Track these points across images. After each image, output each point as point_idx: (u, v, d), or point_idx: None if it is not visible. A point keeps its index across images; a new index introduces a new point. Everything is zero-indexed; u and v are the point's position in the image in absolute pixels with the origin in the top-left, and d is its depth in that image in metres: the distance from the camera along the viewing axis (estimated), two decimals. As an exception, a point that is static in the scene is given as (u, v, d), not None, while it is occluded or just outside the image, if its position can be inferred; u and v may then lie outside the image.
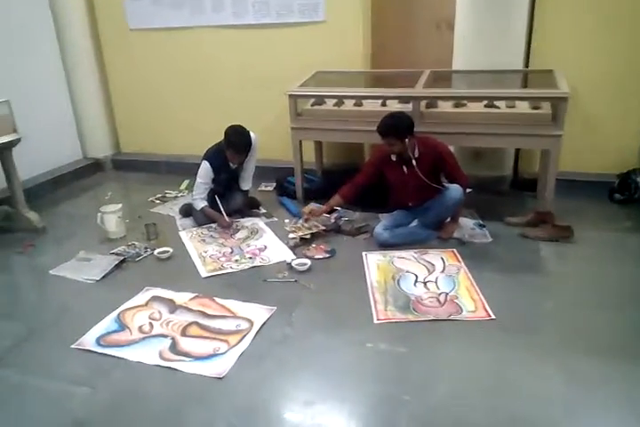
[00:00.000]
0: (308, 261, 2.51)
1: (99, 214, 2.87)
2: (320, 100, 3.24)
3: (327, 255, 2.62)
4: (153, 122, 4.13)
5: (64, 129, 4.02)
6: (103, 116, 4.18)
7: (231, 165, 3.01)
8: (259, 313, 2.16)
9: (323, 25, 3.50)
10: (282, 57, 3.64)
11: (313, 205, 2.95)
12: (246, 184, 3.16)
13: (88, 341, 2.03)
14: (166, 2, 3.75)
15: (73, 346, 1.99)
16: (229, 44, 3.74)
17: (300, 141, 3.23)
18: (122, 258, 2.64)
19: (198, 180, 2.98)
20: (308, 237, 2.75)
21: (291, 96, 3.09)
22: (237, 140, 2.88)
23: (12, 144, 2.87)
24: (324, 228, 2.83)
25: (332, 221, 2.91)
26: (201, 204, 2.99)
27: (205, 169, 2.95)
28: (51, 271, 2.57)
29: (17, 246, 2.86)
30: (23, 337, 2.08)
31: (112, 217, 2.87)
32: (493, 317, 2.07)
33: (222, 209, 2.97)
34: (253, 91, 3.76)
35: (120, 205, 2.93)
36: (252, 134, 2.97)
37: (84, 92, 4.04)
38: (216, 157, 2.97)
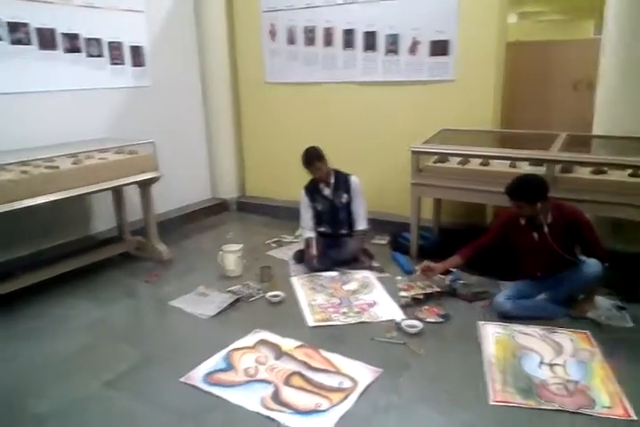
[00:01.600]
0: (420, 324, 2.39)
1: (220, 253, 3.03)
2: (444, 157, 3.20)
3: (440, 319, 2.48)
4: (276, 168, 4.35)
5: (198, 170, 4.39)
6: (234, 160, 4.51)
7: (323, 189, 3.18)
8: (363, 373, 2.07)
9: (452, 84, 3.50)
10: (408, 113, 3.69)
11: (428, 263, 2.85)
12: (359, 224, 3.20)
13: (196, 376, 2.07)
14: (301, 58, 4.03)
15: (181, 379, 2.05)
16: (356, 100, 3.88)
17: (419, 198, 3.20)
18: (236, 297, 2.72)
19: (300, 209, 3.25)
20: (420, 297, 2.64)
21: (414, 152, 3.10)
22: (304, 154, 3.11)
23: (152, 181, 3.17)
24: (438, 289, 2.71)
25: (447, 282, 2.77)
26: (306, 234, 3.22)
27: (302, 195, 3.23)
28: (170, 302, 2.73)
29: (144, 275, 3.09)
30: (138, 363, 2.19)
31: (232, 256, 3.01)
32: (634, 417, 1.79)
33: (314, 243, 3.13)
34: (376, 144, 3.83)
35: (241, 246, 3.08)
36: (352, 177, 3.19)
37: (220, 138, 4.41)
38: (309, 183, 3.26)
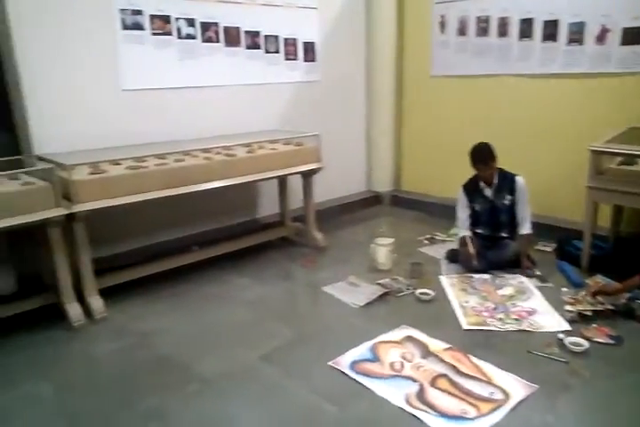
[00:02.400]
0: (586, 343, 2.16)
1: (372, 245, 3.07)
2: (631, 159, 2.82)
3: (611, 341, 2.21)
4: (434, 164, 4.26)
5: (356, 163, 4.48)
6: (391, 154, 4.51)
7: (484, 189, 3.01)
8: (516, 387, 1.94)
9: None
10: (586, 108, 3.32)
11: (600, 279, 2.55)
12: (524, 227, 2.99)
13: (344, 362, 2.14)
14: (471, 50, 3.86)
15: (329, 363, 2.13)
16: (528, 93, 3.60)
17: (596, 203, 2.87)
18: (385, 291, 2.74)
19: (457, 208, 3.14)
20: (588, 313, 2.38)
21: (594, 152, 2.78)
22: (473, 150, 2.95)
23: (314, 171, 3.32)
24: (611, 307, 2.41)
25: (624, 301, 2.45)
26: (462, 232, 3.07)
27: (459, 194, 3.10)
28: (323, 288, 2.84)
29: (301, 260, 3.27)
30: (291, 341, 2.33)
31: (383, 250, 3.03)
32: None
33: (471, 243, 2.96)
34: (546, 141, 3.54)
35: (392, 240, 3.08)
36: (518, 178, 2.98)
37: (379, 131, 4.44)
38: (468, 182, 3.11)
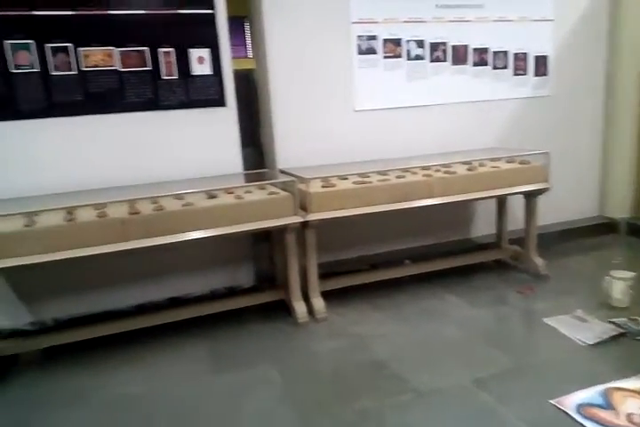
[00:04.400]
0: None
1: (606, 278, 2.72)
2: None
3: None
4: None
5: (586, 185, 4.03)
6: (631, 176, 3.95)
7: None
8: None
9: None
10: None
11: None
12: None
13: (568, 403, 1.93)
14: None
15: (552, 401, 1.94)
16: None
17: None
18: (621, 331, 2.40)
19: None
20: None
21: None
22: None
23: (540, 192, 3.10)
24: None
25: None
26: None
27: None
28: (544, 319, 2.62)
29: (517, 286, 3.07)
30: (508, 370, 2.20)
31: (621, 284, 2.66)
32: None
33: None
34: None
35: (633, 274, 2.69)
36: None
37: (618, 151, 3.93)
38: None
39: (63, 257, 2.20)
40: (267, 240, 3.11)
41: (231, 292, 3.05)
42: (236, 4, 2.93)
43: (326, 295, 2.83)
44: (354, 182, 2.80)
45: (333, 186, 2.75)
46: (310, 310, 2.76)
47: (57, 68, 2.60)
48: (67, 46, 2.60)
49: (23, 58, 2.55)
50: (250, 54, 5.52)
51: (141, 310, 2.87)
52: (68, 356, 2.49)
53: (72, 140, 2.66)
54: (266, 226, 2.55)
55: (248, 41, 5.51)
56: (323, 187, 2.74)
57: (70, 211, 2.37)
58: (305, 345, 2.53)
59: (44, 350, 2.55)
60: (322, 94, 3.14)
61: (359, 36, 3.20)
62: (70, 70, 2.62)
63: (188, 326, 2.70)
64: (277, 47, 2.99)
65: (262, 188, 2.79)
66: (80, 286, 2.77)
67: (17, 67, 2.54)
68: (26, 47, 2.55)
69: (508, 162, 3.16)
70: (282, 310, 2.83)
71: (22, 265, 2.17)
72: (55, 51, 2.59)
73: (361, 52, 3.22)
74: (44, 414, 2.07)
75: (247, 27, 5.47)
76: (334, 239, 3.07)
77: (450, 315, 2.76)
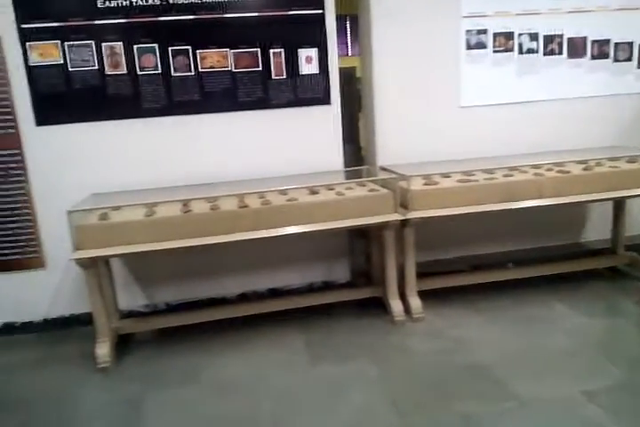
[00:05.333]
0: None
1: None
2: None
3: None
4: None
5: None
6: None
7: None
8: None
9: None
10: None
11: None
12: None
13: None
14: None
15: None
16: None
17: None
18: None
19: None
20: None
21: None
22: None
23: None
24: None
25: None
26: None
27: None
28: (667, 334, 2.41)
29: (635, 295, 2.84)
30: (621, 384, 2.06)
31: None
32: None
33: None
34: None
35: None
36: None
37: None
38: None
39: (178, 246, 2.37)
40: (363, 237, 3.13)
41: (327, 286, 3.11)
42: (339, 2, 2.96)
43: (423, 295, 2.79)
44: (457, 181, 2.73)
45: (435, 184, 2.71)
46: (407, 309, 2.73)
47: (177, 70, 2.80)
48: (186, 49, 2.79)
49: (148, 60, 2.77)
50: (350, 52, 5.58)
51: (244, 298, 3.02)
52: (177, 338, 2.68)
53: (188, 136, 2.85)
54: (366, 223, 2.56)
55: (349, 39, 5.59)
56: (424, 185, 2.70)
57: (186, 203, 2.55)
58: (402, 344, 2.52)
59: (156, 331, 2.77)
60: (426, 90, 3.09)
61: (468, 31, 3.10)
62: (189, 71, 2.81)
63: (285, 316, 2.80)
64: (383, 44, 2.98)
65: (363, 184, 2.81)
66: (189, 274, 2.97)
67: (142, 69, 2.76)
68: (151, 51, 2.77)
69: (630, 162, 2.92)
70: (377, 307, 2.84)
71: (141, 252, 2.37)
72: (176, 53, 2.79)
73: (469, 47, 3.12)
74: (156, 391, 2.25)
75: (348, 25, 5.53)
76: (433, 238, 3.01)
77: (558, 323, 2.61)
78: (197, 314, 2.78)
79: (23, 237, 2.79)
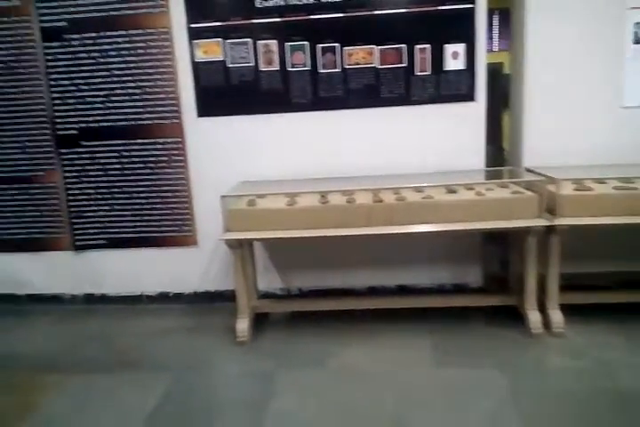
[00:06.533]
0: None
1: None
2: None
3: None
4: None
5: None
6: None
7: None
8: None
9: None
10: None
11: None
12: None
13: None
14: None
15: None
16: None
17: None
18: None
19: None
20: None
21: None
22: None
23: None
24: None
25: None
26: None
27: None
28: None
29: None
30: None
31: None
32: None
33: None
34: None
35: None
36: None
37: None
38: None
39: (316, 235, 2.47)
40: (498, 241, 2.99)
41: (457, 289, 3.03)
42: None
43: (565, 309, 2.59)
44: (614, 187, 2.49)
45: (589, 189, 2.49)
46: (546, 322, 2.56)
47: (324, 67, 2.90)
48: (334, 46, 2.87)
49: (298, 58, 2.90)
50: (495, 48, 5.32)
51: (373, 291, 3.06)
52: (308, 322, 2.80)
53: (330, 131, 2.95)
54: (507, 226, 2.44)
55: (495, 34, 5.32)
56: (575, 190, 2.50)
57: (324, 195, 2.65)
58: (538, 359, 2.37)
59: (289, 313, 2.92)
60: (582, 89, 2.85)
61: (637, 23, 2.80)
62: (335, 68, 2.89)
63: (412, 314, 2.78)
64: (537, 39, 2.80)
65: (505, 186, 2.68)
66: (322, 263, 3.08)
67: (293, 65, 2.91)
68: (301, 48, 2.90)
69: None
70: (510, 316, 2.69)
71: (282, 238, 2.51)
72: (324, 51, 2.89)
73: (637, 41, 2.82)
74: (286, 369, 2.37)
75: (497, 18, 5.27)
76: (580, 248, 2.77)
77: None
78: (328, 302, 2.88)
79: (180, 217, 3.10)
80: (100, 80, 2.97)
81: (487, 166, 2.97)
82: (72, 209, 3.14)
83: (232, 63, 2.91)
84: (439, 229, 2.45)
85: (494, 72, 3.44)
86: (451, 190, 2.63)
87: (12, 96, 3.02)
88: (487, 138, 2.94)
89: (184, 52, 2.90)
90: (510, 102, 3.18)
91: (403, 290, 3.06)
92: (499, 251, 3.06)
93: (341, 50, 2.87)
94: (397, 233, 2.44)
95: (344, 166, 2.93)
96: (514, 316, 2.68)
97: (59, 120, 3.03)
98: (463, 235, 2.62)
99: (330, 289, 3.09)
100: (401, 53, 2.85)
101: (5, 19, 2.93)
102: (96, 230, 3.15)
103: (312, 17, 2.84)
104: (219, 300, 3.12)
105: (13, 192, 3.14)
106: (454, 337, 2.59)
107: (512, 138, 3.17)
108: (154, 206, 3.09)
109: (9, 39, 2.95)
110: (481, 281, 3.04)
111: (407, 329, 2.68)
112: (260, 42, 2.87)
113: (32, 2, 2.90)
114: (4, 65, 2.99)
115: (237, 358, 2.51)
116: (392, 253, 3.02)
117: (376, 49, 2.86)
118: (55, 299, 3.27)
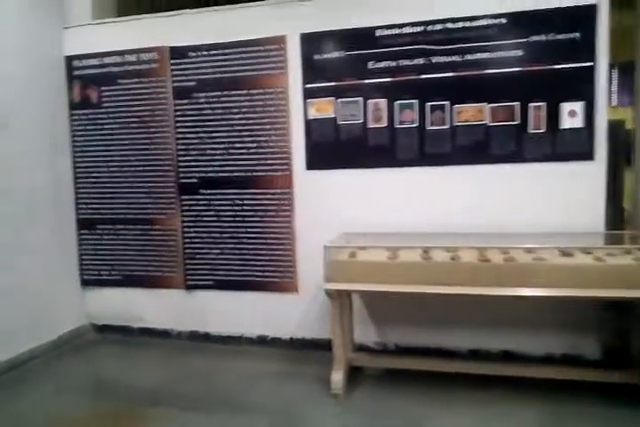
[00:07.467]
0: None
1: None
2: None
3: None
4: None
5: None
6: None
7: None
8: None
9: None
10: None
11: None
12: None
13: None
14: None
15: None
16: None
17: None
18: None
19: None
20: None
21: None
22: None
23: None
24: None
25: None
26: None
27: None
28: None
29: None
30: None
31: None
32: None
33: None
34: None
35: None
36: None
37: None
38: None
39: (418, 291, 2.42)
40: (615, 308, 2.73)
41: (568, 359, 2.78)
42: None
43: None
44: None
45: None
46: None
47: (432, 124, 2.94)
48: (443, 104, 2.92)
49: (407, 115, 2.98)
50: (613, 102, 5.06)
51: (474, 354, 2.90)
52: (404, 380, 2.71)
53: (435, 186, 2.95)
54: (633, 296, 2.23)
55: (614, 88, 5.07)
56: None
57: (426, 250, 2.61)
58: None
59: (384, 369, 2.85)
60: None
61: None
62: (443, 125, 2.92)
63: (516, 382, 2.58)
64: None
65: (629, 252, 2.47)
66: (421, 320, 3.00)
67: (401, 122, 2.98)
68: (410, 106, 2.97)
69: None
70: (634, 395, 2.41)
71: (382, 291, 2.49)
72: (433, 108, 2.94)
73: None
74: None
75: (616, 73, 5.04)
76: None
77: None
78: (427, 362, 2.76)
79: (283, 264, 3.22)
80: (220, 134, 3.25)
81: (606, 226, 2.77)
82: (186, 251, 3.38)
83: (342, 120, 3.06)
84: (555, 295, 2.29)
85: (614, 128, 3.26)
86: (566, 253, 2.48)
87: (144, 146, 3.40)
88: (606, 197, 2.76)
89: (298, 110, 3.10)
90: (632, 160, 2.98)
91: (507, 356, 2.86)
92: (617, 320, 2.78)
93: (451, 108, 2.90)
94: (505, 295, 2.33)
95: (448, 222, 2.89)
96: (638, 396, 2.39)
97: (182, 169, 3.35)
98: (578, 301, 2.42)
99: (427, 348, 2.98)
100: (513, 111, 2.82)
101: (145, 79, 3.36)
102: (205, 271, 3.36)
103: (422, 76, 2.93)
104: (314, 348, 3.13)
105: (137, 232, 3.47)
106: (565, 413, 2.35)
107: (634, 197, 2.95)
108: (259, 252, 3.24)
109: (146, 97, 3.37)
110: (599, 353, 2.77)
111: (510, 399, 2.49)
112: (370, 100, 3.00)
113: (168, 64, 3.30)
114: (139, 119, 3.40)
115: (331, 411, 2.47)
116: (497, 316, 2.86)
117: (487, 107, 2.85)
118: (164, 334, 3.48)
